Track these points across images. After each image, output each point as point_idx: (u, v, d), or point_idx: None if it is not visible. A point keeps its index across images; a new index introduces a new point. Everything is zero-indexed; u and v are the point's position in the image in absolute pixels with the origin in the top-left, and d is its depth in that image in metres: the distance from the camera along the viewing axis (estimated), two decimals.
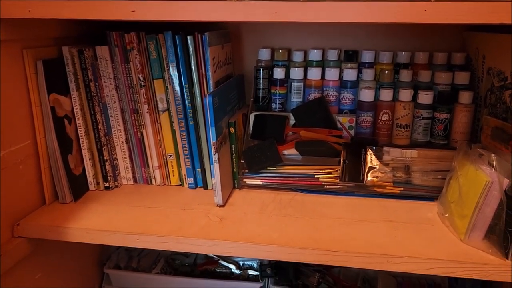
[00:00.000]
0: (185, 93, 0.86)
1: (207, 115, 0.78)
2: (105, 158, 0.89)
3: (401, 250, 0.67)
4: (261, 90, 0.99)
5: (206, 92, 0.85)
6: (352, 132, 0.95)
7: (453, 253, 0.67)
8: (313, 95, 0.96)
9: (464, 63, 0.95)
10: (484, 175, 0.68)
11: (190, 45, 0.83)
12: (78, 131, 0.86)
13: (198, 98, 0.86)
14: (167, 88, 0.87)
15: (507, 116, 0.79)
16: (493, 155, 0.69)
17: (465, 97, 0.88)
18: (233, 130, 0.88)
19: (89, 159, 0.88)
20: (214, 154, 0.79)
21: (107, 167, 0.90)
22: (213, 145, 0.79)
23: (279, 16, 0.58)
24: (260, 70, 0.97)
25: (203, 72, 0.85)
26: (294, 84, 0.97)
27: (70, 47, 0.82)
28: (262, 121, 0.96)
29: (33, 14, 0.64)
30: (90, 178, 0.89)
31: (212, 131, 0.78)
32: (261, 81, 0.98)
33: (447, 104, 0.89)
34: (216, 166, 0.80)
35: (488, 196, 0.66)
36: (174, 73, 0.85)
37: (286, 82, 0.98)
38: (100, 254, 1.07)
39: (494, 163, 0.68)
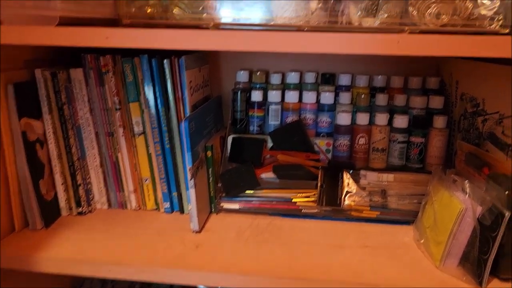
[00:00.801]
0: (161, 116, 0.85)
1: (182, 141, 0.77)
2: (78, 182, 0.87)
3: (377, 278, 0.67)
4: (238, 113, 0.99)
5: (182, 116, 0.84)
6: (330, 155, 0.95)
7: (428, 280, 0.67)
8: (290, 118, 0.97)
9: (439, 87, 0.97)
10: (458, 202, 0.68)
11: (166, 69, 0.82)
12: (51, 155, 0.84)
13: (175, 122, 0.85)
14: (143, 111, 0.86)
15: (480, 142, 0.80)
16: (466, 182, 0.70)
17: (439, 121, 0.90)
18: (210, 154, 0.87)
19: (62, 184, 0.86)
20: (190, 180, 0.78)
21: (80, 191, 0.88)
22: (189, 170, 0.78)
23: (252, 46, 0.58)
24: (237, 93, 0.97)
25: (180, 96, 0.84)
26: (272, 107, 0.97)
27: (43, 69, 0.80)
28: (240, 144, 0.95)
29: (4, 39, 0.62)
30: (62, 203, 0.87)
31: (188, 157, 0.77)
32: (238, 103, 0.98)
33: (422, 129, 0.91)
34: (192, 192, 0.79)
35: (462, 223, 0.67)
36: (150, 96, 0.84)
37: (264, 104, 0.98)
38: (73, 280, 1.04)
39: (468, 190, 0.69)
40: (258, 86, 1.00)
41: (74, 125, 0.86)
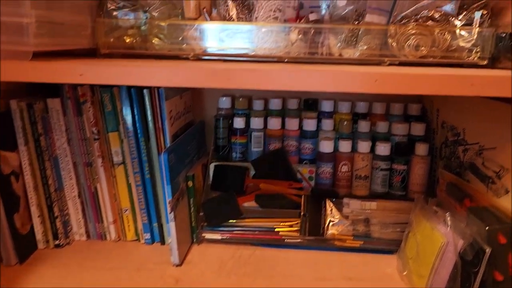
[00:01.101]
0: (141, 146, 0.83)
1: (162, 173, 0.76)
2: (55, 214, 0.85)
3: None
4: (221, 140, 0.98)
5: (163, 146, 0.83)
6: (312, 182, 0.95)
7: None
8: (273, 144, 0.96)
9: (420, 114, 0.98)
10: (439, 235, 0.68)
11: (146, 99, 0.81)
12: (27, 188, 0.81)
13: (155, 152, 0.84)
14: (122, 141, 0.84)
15: (461, 171, 0.80)
16: (448, 214, 0.70)
17: (421, 149, 0.90)
18: (191, 184, 0.86)
19: (38, 216, 0.83)
20: (170, 213, 0.77)
21: (57, 223, 0.85)
22: (169, 203, 0.76)
23: (231, 84, 0.57)
24: (220, 120, 0.96)
25: (160, 126, 0.83)
26: (255, 133, 0.96)
27: (18, 100, 0.79)
28: (222, 172, 0.94)
29: None
30: (39, 236, 0.84)
31: (167, 190, 0.76)
32: (221, 130, 0.97)
33: (404, 156, 0.91)
34: (172, 225, 0.77)
35: (444, 257, 0.67)
36: (129, 126, 0.83)
37: (246, 131, 0.97)
38: None
39: (449, 223, 0.69)
40: (240, 112, 1.00)
41: (51, 156, 0.84)
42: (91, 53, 0.78)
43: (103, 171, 0.86)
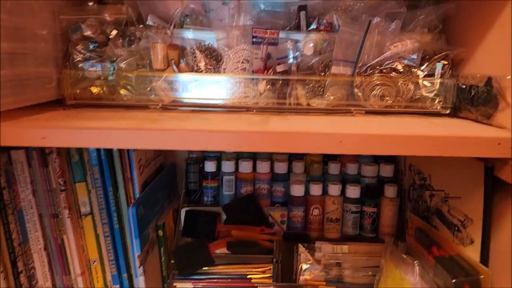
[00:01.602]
0: (109, 197, 0.82)
1: (130, 227, 0.74)
2: (19, 269, 0.82)
3: None
4: (192, 184, 0.97)
5: (132, 195, 0.82)
6: (285, 226, 0.95)
7: None
8: (245, 188, 0.96)
9: (389, 155, 0.99)
10: (409, 285, 0.69)
11: (114, 149, 0.80)
12: None
13: (124, 202, 0.82)
14: (90, 191, 0.83)
15: (429, 215, 0.81)
16: (416, 263, 0.71)
17: (390, 191, 0.91)
18: (161, 233, 0.84)
19: (1, 272, 0.80)
20: (138, 268, 0.75)
21: (21, 279, 0.82)
22: (138, 257, 0.75)
23: (195, 145, 0.57)
24: (191, 164, 0.96)
25: (129, 176, 0.82)
26: (226, 177, 0.96)
27: None
28: (193, 217, 0.93)
29: None
30: None
31: (136, 244, 0.74)
32: (192, 175, 0.97)
33: (374, 198, 0.92)
34: (141, 279, 0.76)
35: None
36: (97, 176, 0.81)
37: (217, 175, 0.97)
38: None
39: (417, 272, 0.69)
40: (211, 155, 0.99)
41: (15, 209, 0.81)
42: (56, 105, 0.77)
43: (70, 222, 0.83)
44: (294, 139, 0.57)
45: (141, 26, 0.83)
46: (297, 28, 0.83)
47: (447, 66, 0.76)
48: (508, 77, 0.62)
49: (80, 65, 0.77)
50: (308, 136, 0.57)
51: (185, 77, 0.77)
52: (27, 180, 0.81)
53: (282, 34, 0.80)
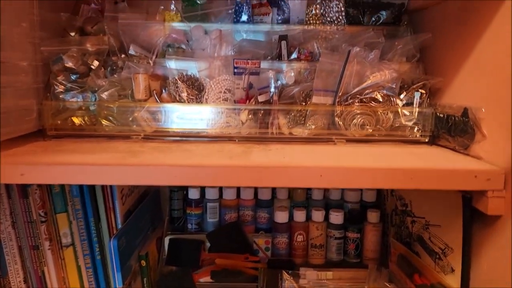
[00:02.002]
0: (91, 227, 0.81)
1: (111, 260, 0.73)
2: None
3: None
4: (176, 211, 0.97)
5: (114, 226, 0.81)
6: (269, 253, 0.94)
7: None
8: (229, 215, 0.96)
9: None
10: None
11: None
12: None
13: (106, 233, 0.81)
14: (71, 222, 0.81)
15: (411, 241, 0.82)
16: None
17: (373, 217, 0.92)
18: (144, 263, 0.83)
19: None
20: None
21: None
22: None
23: (178, 181, 0.57)
24: (174, 192, 0.95)
25: (111, 206, 0.81)
26: (210, 204, 0.95)
27: None
28: (177, 246, 0.92)
29: None
30: None
31: (118, 277, 0.73)
32: (175, 202, 0.96)
33: (357, 224, 0.92)
34: None
35: None
36: (78, 207, 0.80)
37: (201, 202, 0.96)
38: None
39: None
40: None
41: None
42: (37, 135, 0.76)
43: (51, 254, 0.82)
44: (275, 174, 0.57)
45: (123, 55, 0.83)
46: (279, 57, 0.85)
47: (425, 95, 0.78)
48: (483, 110, 0.64)
49: (61, 96, 0.77)
50: (289, 170, 0.57)
51: (167, 108, 0.77)
52: (6, 212, 0.80)
53: (263, 64, 0.81)
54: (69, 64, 0.77)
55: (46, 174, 0.58)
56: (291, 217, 0.94)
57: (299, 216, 0.92)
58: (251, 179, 0.58)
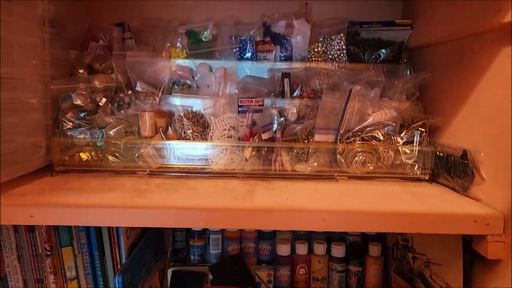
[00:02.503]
0: (95, 261, 0.82)
1: None
2: None
3: None
4: (179, 243, 0.97)
5: (118, 260, 0.82)
6: (271, 286, 0.95)
7: None
8: (231, 246, 0.96)
9: None
10: None
11: None
12: None
13: (110, 266, 0.82)
14: (76, 256, 0.82)
15: (412, 277, 0.83)
16: None
17: (374, 250, 0.93)
18: None
19: None
20: None
21: None
22: None
23: (184, 223, 0.59)
24: None
25: (115, 240, 0.82)
26: (212, 236, 0.96)
27: None
28: (180, 278, 0.93)
29: None
30: None
31: None
32: (178, 233, 0.97)
33: (359, 257, 0.93)
34: None
35: None
36: (84, 241, 0.81)
37: (204, 233, 0.97)
38: None
39: None
40: None
41: None
42: (45, 171, 0.78)
43: (55, 287, 0.83)
44: (278, 217, 0.59)
45: (130, 92, 0.85)
46: (281, 94, 0.87)
47: (425, 133, 0.79)
48: (482, 154, 0.65)
49: (69, 132, 0.79)
50: (292, 214, 0.59)
51: (172, 144, 0.79)
52: (12, 246, 0.81)
53: (266, 101, 0.83)
54: (78, 102, 0.79)
55: (55, 216, 0.59)
56: (293, 249, 0.95)
57: (301, 249, 0.93)
58: (255, 223, 0.59)
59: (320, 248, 0.93)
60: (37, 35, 0.75)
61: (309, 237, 0.97)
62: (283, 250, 0.93)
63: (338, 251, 0.92)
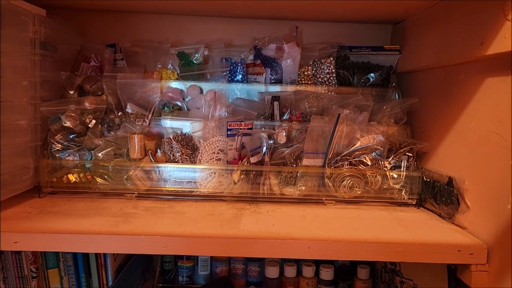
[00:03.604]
0: (82, 283, 0.82)
1: None
2: None
3: None
4: (167, 264, 0.97)
5: (105, 282, 0.81)
6: None
7: None
8: (220, 268, 0.96)
9: None
10: None
11: None
12: None
13: None
14: (62, 278, 0.82)
15: None
16: None
17: (362, 273, 0.93)
18: None
19: None
20: None
21: None
22: None
23: (169, 250, 0.59)
24: None
25: (102, 263, 0.81)
26: (201, 257, 0.96)
27: None
28: None
29: None
30: None
31: None
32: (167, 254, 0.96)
33: (347, 280, 0.93)
34: None
35: None
36: (70, 263, 0.81)
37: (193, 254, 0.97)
38: None
39: None
40: None
41: None
42: (32, 192, 0.78)
43: None
44: (264, 246, 0.59)
45: (120, 113, 0.85)
46: (271, 117, 0.87)
47: (412, 158, 0.80)
48: (466, 182, 0.66)
49: (58, 154, 0.79)
50: (277, 243, 0.59)
51: (161, 167, 0.79)
52: None
53: (256, 123, 0.83)
54: (67, 124, 0.79)
55: (40, 242, 0.59)
56: (281, 271, 0.95)
57: (290, 271, 0.93)
58: (240, 251, 0.59)
59: (308, 271, 0.93)
60: (27, 58, 0.75)
61: (297, 259, 0.97)
62: (272, 272, 0.93)
63: (327, 273, 0.92)
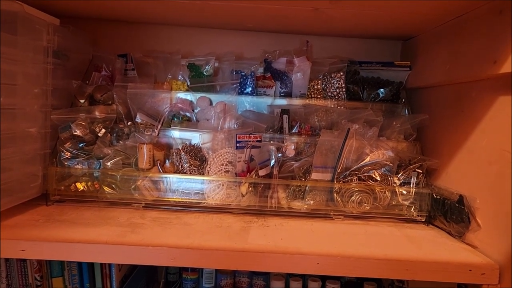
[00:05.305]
0: None
1: None
2: None
3: None
4: (172, 275, 0.96)
5: None
6: None
7: None
8: (224, 281, 0.95)
9: None
10: None
11: None
12: None
13: None
14: (66, 287, 0.81)
15: None
16: None
17: None
18: None
19: None
20: None
21: None
22: None
23: (178, 262, 0.58)
24: None
25: (107, 273, 0.81)
26: (206, 269, 0.95)
27: None
28: None
29: None
30: None
31: None
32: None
33: None
34: None
35: None
36: (75, 272, 0.80)
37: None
38: None
39: None
40: None
41: None
42: (40, 199, 0.78)
43: None
44: (272, 260, 0.58)
45: (129, 122, 0.85)
46: (280, 130, 0.87)
47: (421, 175, 0.79)
48: (478, 201, 0.65)
49: (66, 162, 0.79)
50: (286, 258, 0.58)
51: (169, 178, 0.79)
52: (2, 274, 0.81)
53: (265, 136, 0.83)
54: (77, 132, 0.79)
55: (46, 251, 0.59)
56: (287, 286, 0.94)
57: (295, 286, 0.92)
58: (248, 265, 0.58)
59: (314, 286, 0.92)
60: (40, 66, 0.75)
61: (303, 274, 0.95)
62: (277, 286, 0.91)
63: None
